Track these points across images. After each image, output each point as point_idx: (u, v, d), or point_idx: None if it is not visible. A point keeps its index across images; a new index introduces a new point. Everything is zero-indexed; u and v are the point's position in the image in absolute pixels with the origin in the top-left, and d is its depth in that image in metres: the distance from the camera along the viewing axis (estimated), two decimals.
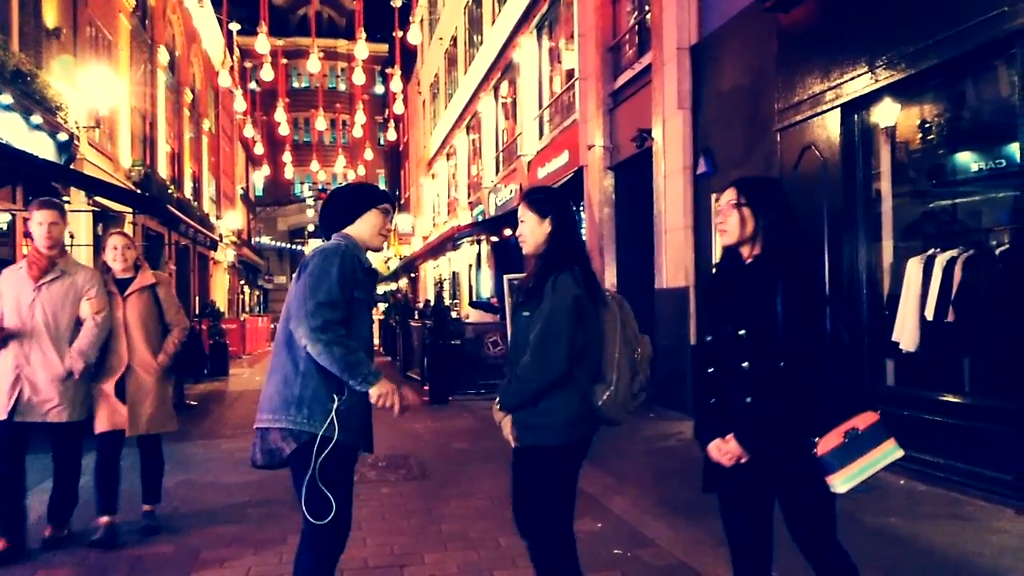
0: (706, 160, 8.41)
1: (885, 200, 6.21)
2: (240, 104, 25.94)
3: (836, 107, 6.19)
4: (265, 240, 45.43)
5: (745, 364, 2.46)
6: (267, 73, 18.89)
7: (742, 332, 2.47)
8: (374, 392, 2.61)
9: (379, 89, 45.58)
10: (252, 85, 35.01)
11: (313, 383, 2.64)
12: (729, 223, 2.60)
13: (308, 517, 2.67)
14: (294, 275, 2.71)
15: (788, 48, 6.83)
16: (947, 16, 5.08)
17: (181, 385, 10.82)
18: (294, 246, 48.30)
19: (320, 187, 44.52)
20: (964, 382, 5.45)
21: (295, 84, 47.38)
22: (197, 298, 24.31)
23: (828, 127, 6.31)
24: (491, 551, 4.21)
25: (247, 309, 39.11)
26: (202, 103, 27.49)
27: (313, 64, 19.46)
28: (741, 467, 2.46)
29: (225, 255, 30.74)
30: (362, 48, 17.53)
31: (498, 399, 2.84)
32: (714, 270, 2.90)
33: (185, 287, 23.35)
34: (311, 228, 48.01)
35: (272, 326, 33.06)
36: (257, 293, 44.81)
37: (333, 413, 2.62)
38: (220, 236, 28.51)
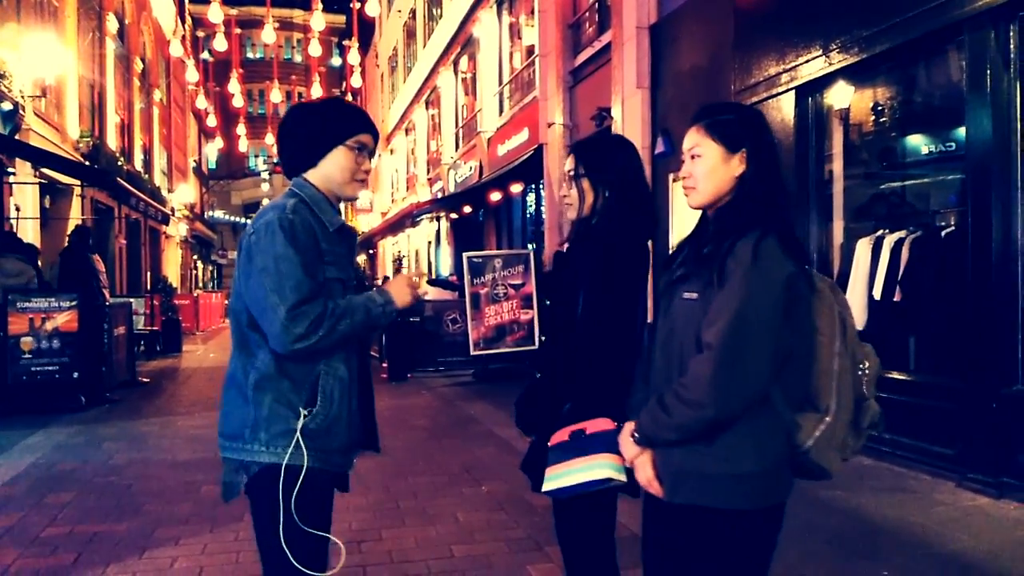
0: (664, 140, 8.48)
1: (837, 182, 6.34)
2: (192, 75, 25.30)
3: (791, 89, 6.29)
4: (219, 214, 44.57)
5: (543, 337, 2.30)
6: (220, 43, 18.44)
7: (547, 302, 2.35)
8: (400, 303, 2.09)
9: (336, 61, 44.82)
10: (205, 55, 34.14)
11: (269, 396, 1.97)
12: (571, 196, 2.33)
13: (267, 570, 2.14)
14: (238, 256, 2.05)
15: (745, 29, 6.90)
16: (900, 1, 5.17)
17: (133, 362, 10.64)
18: (248, 220, 47.48)
19: (275, 160, 43.75)
20: (910, 360, 5.64)
21: (249, 55, 46.34)
22: (149, 273, 23.80)
23: (783, 109, 6.41)
24: (449, 526, 4.25)
25: (200, 285, 38.44)
26: (153, 73, 26.73)
27: (268, 35, 19.04)
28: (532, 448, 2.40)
29: (177, 229, 30.11)
30: (318, 19, 17.20)
31: (633, 427, 1.87)
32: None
33: (136, 262, 22.84)
34: (265, 202, 47.17)
35: (227, 302, 32.60)
36: (211, 268, 44.02)
37: (298, 433, 1.95)
38: (172, 210, 27.89)
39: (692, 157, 1.88)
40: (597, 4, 10.79)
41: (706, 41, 7.77)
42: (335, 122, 2.09)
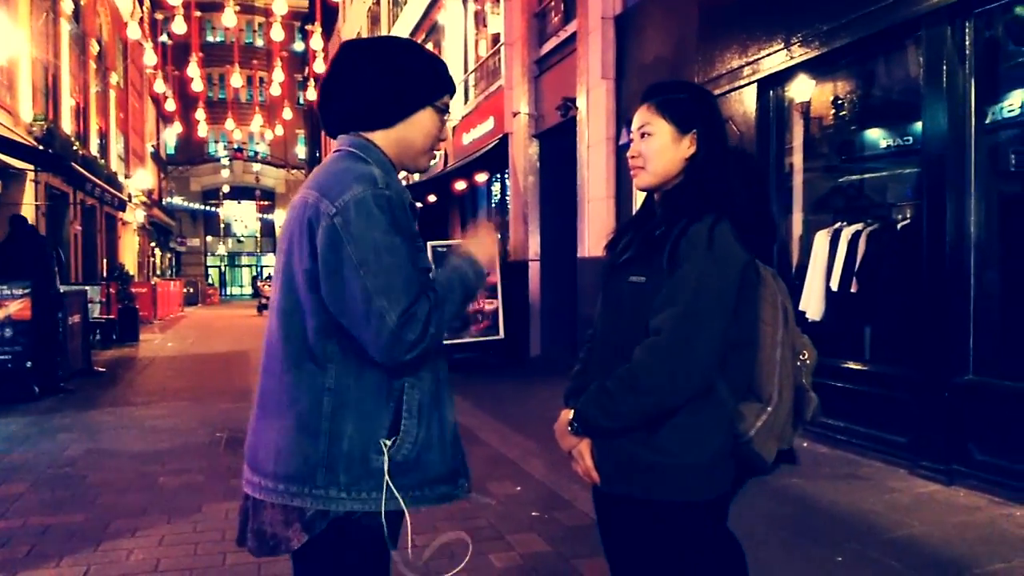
0: (628, 131, 8.51)
1: (797, 174, 6.43)
2: (150, 58, 24.73)
3: (753, 82, 6.35)
4: (177, 201, 43.76)
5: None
6: (179, 26, 18.04)
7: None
8: (487, 264, 1.71)
9: (299, 46, 44.14)
10: (163, 38, 33.41)
11: (351, 426, 1.55)
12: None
13: None
14: (288, 242, 1.60)
15: (709, 22, 6.95)
16: None
17: (88, 351, 10.42)
18: (208, 207, 46.74)
19: (236, 146, 43.07)
20: (865, 350, 5.75)
21: (209, 38, 45.45)
22: (105, 261, 23.31)
23: (745, 102, 6.48)
24: (411, 516, 4.24)
25: (158, 272, 37.75)
26: (110, 56, 26.09)
27: (228, 18, 18.67)
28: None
29: (134, 216, 29.51)
30: (281, 3, 16.91)
31: (572, 414, 1.78)
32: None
33: (92, 249, 22.35)
34: (226, 189, 46.54)
35: (186, 290, 32.08)
36: (169, 256, 43.24)
37: (387, 475, 1.55)
38: (129, 196, 27.33)
39: (642, 135, 1.82)
40: None
41: (670, 33, 7.80)
42: (428, 74, 1.67)
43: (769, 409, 1.73)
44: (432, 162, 1.81)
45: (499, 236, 1.98)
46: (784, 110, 6.41)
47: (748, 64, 6.38)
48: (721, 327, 1.63)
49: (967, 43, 4.67)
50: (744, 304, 1.69)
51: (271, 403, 1.61)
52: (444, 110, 1.71)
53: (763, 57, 6.20)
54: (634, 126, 1.85)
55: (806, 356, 1.84)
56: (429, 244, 9.57)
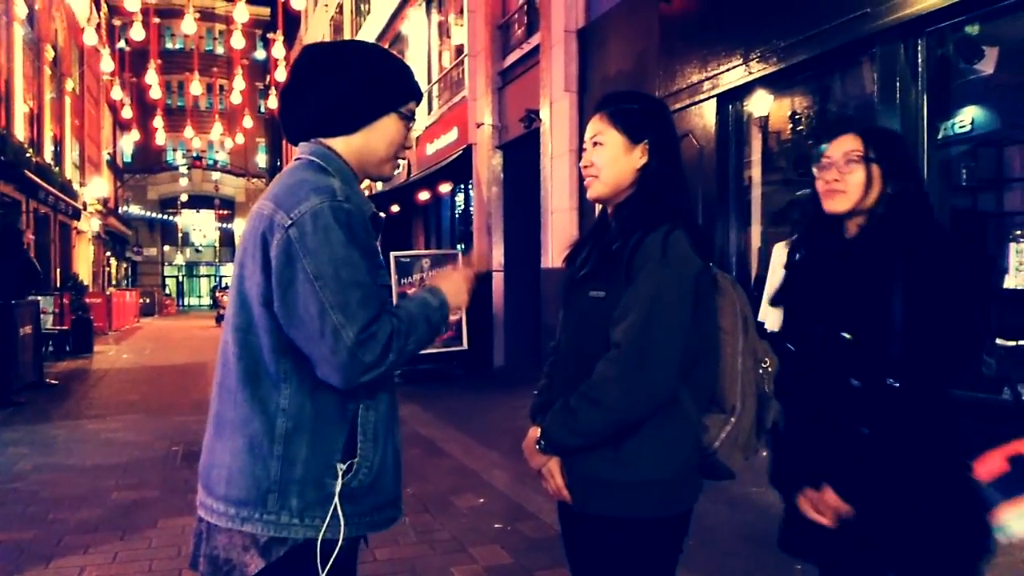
0: None
1: (755, 187, 6.54)
2: (107, 64, 24.31)
3: (712, 97, 6.45)
4: (134, 209, 42.96)
5: (855, 382, 1.73)
6: (137, 32, 17.77)
7: (847, 336, 1.76)
8: (456, 306, 1.65)
9: (260, 54, 43.73)
10: (121, 44, 32.83)
11: (306, 450, 1.50)
12: (848, 182, 1.85)
13: None
14: (242, 255, 1.54)
15: (670, 37, 7.05)
16: (816, 14, 5.37)
17: (40, 363, 10.15)
18: (166, 216, 45.95)
19: (195, 155, 42.46)
20: None
21: (168, 45, 44.79)
22: (59, 271, 22.77)
23: (705, 116, 6.58)
24: None
25: (114, 283, 36.98)
26: (65, 61, 25.57)
27: (188, 25, 18.43)
28: (848, 527, 1.76)
29: (89, 225, 28.88)
30: (242, 10, 16.76)
31: (539, 432, 1.76)
32: (789, 247, 2.14)
33: (45, 259, 21.80)
34: (184, 198, 45.81)
35: (142, 300, 31.45)
36: (125, 266, 42.38)
37: (336, 498, 1.50)
38: (84, 204, 26.75)
39: (594, 145, 1.81)
40: (526, 6, 10.84)
41: (633, 47, 7.90)
42: (392, 80, 1.62)
43: (733, 420, 1.72)
44: (396, 171, 1.75)
45: (473, 279, 1.90)
46: (743, 124, 6.52)
47: (708, 79, 6.48)
48: (680, 336, 1.62)
49: (920, 61, 4.81)
50: (703, 314, 1.69)
51: (225, 423, 1.54)
52: (409, 117, 1.65)
53: (722, 72, 6.30)
54: (587, 136, 1.85)
55: (768, 363, 1.83)
56: (392, 254, 9.53)
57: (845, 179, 1.86)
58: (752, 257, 6.51)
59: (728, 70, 6.24)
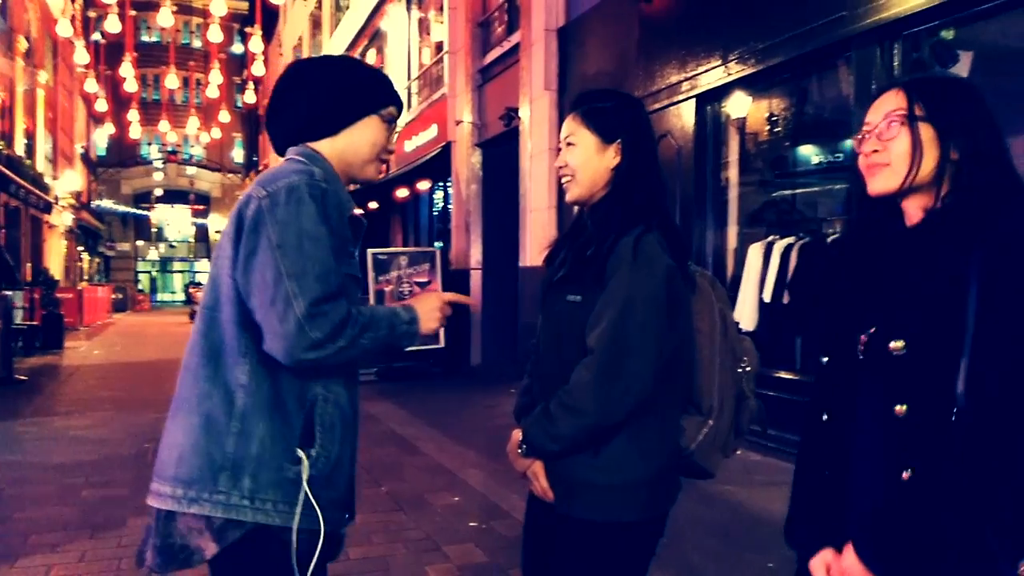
0: None
1: (732, 188, 6.58)
2: (82, 56, 23.95)
3: (691, 97, 6.48)
4: (107, 204, 42.36)
5: (900, 408, 1.28)
6: (113, 24, 17.51)
7: (897, 346, 1.30)
8: (425, 329, 1.63)
9: (237, 48, 43.34)
10: (96, 36, 32.38)
11: (262, 428, 1.47)
12: (892, 151, 1.37)
13: None
14: (224, 233, 1.54)
15: (649, 37, 7.07)
16: (794, 17, 5.41)
17: (9, 358, 9.98)
18: (140, 211, 45.38)
19: (170, 149, 41.96)
20: (796, 360, 5.90)
21: (144, 38, 44.23)
22: (29, 265, 22.40)
23: (683, 116, 6.60)
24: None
25: (86, 277, 36.46)
26: (38, 53, 25.16)
27: (165, 18, 18.20)
28: None
29: (61, 219, 28.44)
30: (219, 4, 16.57)
31: (521, 438, 1.74)
32: (836, 236, 1.76)
33: (15, 253, 21.45)
34: (159, 192, 45.28)
35: (114, 296, 31.02)
36: (97, 260, 41.80)
37: (305, 485, 1.49)
38: (56, 198, 26.34)
39: (568, 145, 1.79)
40: (507, 4, 10.83)
41: (612, 47, 7.91)
42: (370, 85, 1.67)
43: (710, 422, 1.71)
44: (380, 174, 1.78)
45: (449, 307, 1.72)
46: (721, 125, 6.55)
47: (687, 79, 6.50)
48: (654, 339, 1.61)
49: (895, 64, 4.85)
50: (678, 315, 1.67)
51: (182, 401, 1.52)
52: (390, 121, 1.70)
53: (701, 73, 6.33)
54: (561, 136, 1.83)
55: (747, 362, 1.80)
56: (370, 251, 9.46)
57: (887, 148, 1.39)
58: (728, 257, 6.54)
59: (707, 71, 6.26)
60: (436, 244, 13.98)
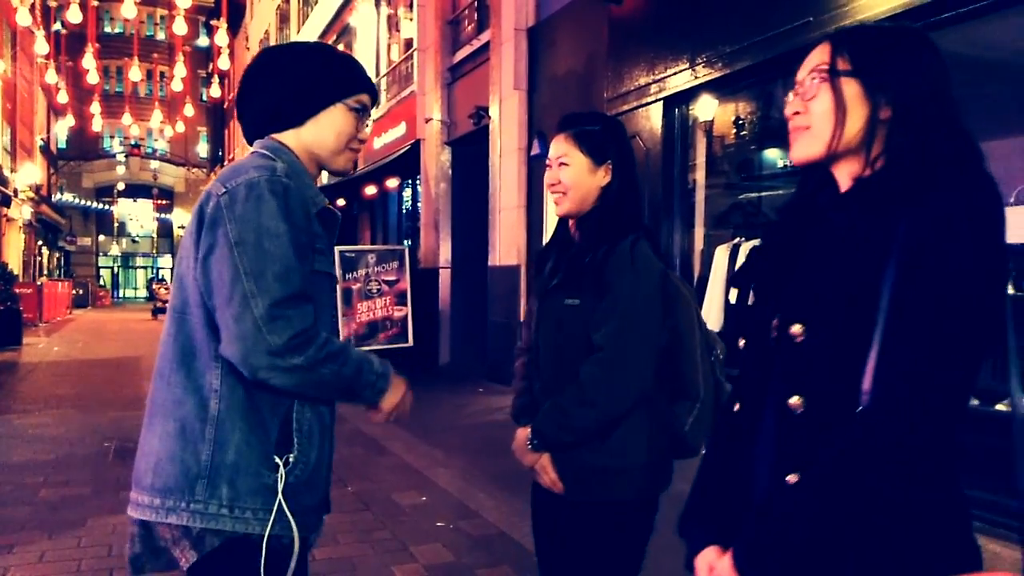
0: (540, 142, 8.61)
1: (699, 190, 6.65)
2: (42, 46, 23.44)
3: (659, 100, 6.53)
4: (68, 197, 41.51)
5: (795, 401, 1.15)
6: (74, 15, 17.17)
7: (796, 330, 1.17)
8: (387, 405, 1.58)
9: (203, 41, 42.74)
10: (57, 27, 31.71)
11: (238, 435, 1.43)
12: (813, 112, 1.21)
13: None
14: (187, 231, 1.50)
15: (618, 39, 7.11)
16: (760, 21, 5.48)
17: None
18: (101, 205, 44.54)
19: (133, 142, 41.25)
20: None
21: (107, 29, 43.41)
22: None
23: (651, 118, 6.65)
24: None
25: (45, 272, 35.71)
26: None
27: (128, 9, 17.89)
28: None
29: (20, 212, 27.81)
30: None
31: (529, 432, 1.88)
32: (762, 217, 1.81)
33: None
34: (121, 186, 44.48)
35: (75, 291, 30.42)
36: (58, 255, 40.94)
37: (280, 496, 1.45)
38: (15, 191, 25.75)
39: (560, 164, 1.94)
40: (476, 3, 10.81)
41: (582, 48, 7.94)
42: (336, 73, 1.62)
43: (698, 405, 1.90)
44: (350, 164, 1.73)
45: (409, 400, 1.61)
46: (688, 128, 6.61)
47: (655, 82, 6.56)
48: (655, 334, 1.83)
49: None
50: (669, 314, 1.88)
51: (157, 408, 1.48)
52: (360, 110, 1.64)
53: (669, 76, 6.38)
54: (552, 154, 1.96)
55: (719, 350, 2.00)
56: (337, 248, 9.39)
57: (808, 109, 1.22)
58: (695, 259, 6.61)
59: (675, 74, 6.32)
60: (405, 242, 13.92)
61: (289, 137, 1.60)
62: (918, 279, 1.04)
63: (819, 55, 1.24)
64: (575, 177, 1.92)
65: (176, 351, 1.47)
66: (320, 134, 1.61)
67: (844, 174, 1.22)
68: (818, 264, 1.18)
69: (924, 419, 1.04)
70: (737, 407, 1.32)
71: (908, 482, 1.04)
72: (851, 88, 1.18)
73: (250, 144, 1.64)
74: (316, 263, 1.50)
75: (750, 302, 1.32)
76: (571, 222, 1.99)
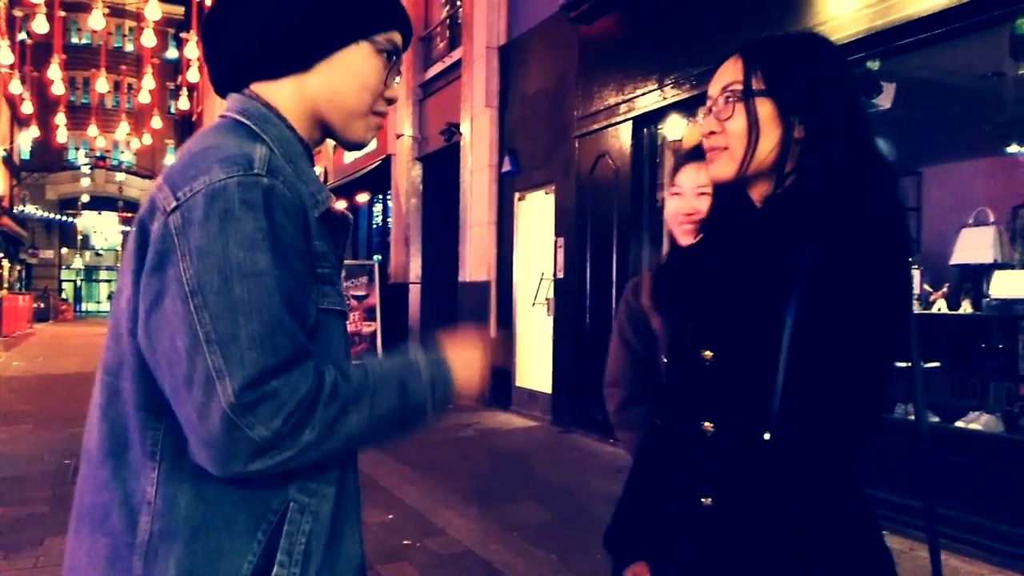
0: (511, 159, 8.66)
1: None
2: (6, 56, 23.10)
3: (629, 119, 6.62)
4: (30, 209, 40.75)
5: (708, 425, 1.15)
6: (40, 25, 16.97)
7: (707, 355, 1.17)
8: (467, 393, 1.12)
9: (172, 54, 42.35)
10: (22, 36, 31.25)
11: (173, 564, 0.95)
12: (730, 132, 1.19)
13: None
14: (124, 256, 1.04)
15: (588, 59, 7.19)
16: (726, 44, 5.53)
17: None
18: (65, 217, 43.81)
19: (98, 154, 40.68)
20: None
21: (74, 40, 42.87)
22: None
23: (621, 138, 6.74)
24: None
25: (6, 286, 34.97)
26: None
27: (96, 20, 17.70)
28: None
29: None
30: (154, 8, 16.21)
31: None
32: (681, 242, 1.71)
33: None
34: (86, 199, 43.82)
35: (36, 305, 29.79)
36: (19, 268, 40.12)
37: None
38: None
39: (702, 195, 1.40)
40: (449, 20, 10.88)
41: (553, 67, 8.02)
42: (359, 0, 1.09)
43: None
44: (373, 133, 1.18)
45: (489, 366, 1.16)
46: (657, 147, 6.70)
47: (624, 101, 6.64)
48: None
49: None
50: None
51: (85, 511, 1.04)
52: (391, 53, 1.13)
53: (638, 96, 6.47)
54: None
55: None
56: None
57: (725, 129, 1.19)
58: None
59: (644, 94, 6.41)
60: (375, 257, 13.88)
61: (284, 90, 1.09)
62: (819, 308, 1.04)
63: (732, 71, 1.23)
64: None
65: (106, 432, 1.02)
66: (336, 85, 1.09)
67: (758, 194, 1.21)
68: (727, 289, 1.17)
69: (828, 444, 1.06)
70: (659, 422, 1.33)
71: (817, 504, 1.06)
72: (765, 108, 1.16)
73: (221, 95, 1.13)
74: (324, 299, 1.02)
75: (673, 323, 1.31)
76: None
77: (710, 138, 1.21)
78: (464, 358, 1.12)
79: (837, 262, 1.05)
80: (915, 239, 7.43)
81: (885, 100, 4.91)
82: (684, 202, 1.71)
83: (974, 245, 5.19)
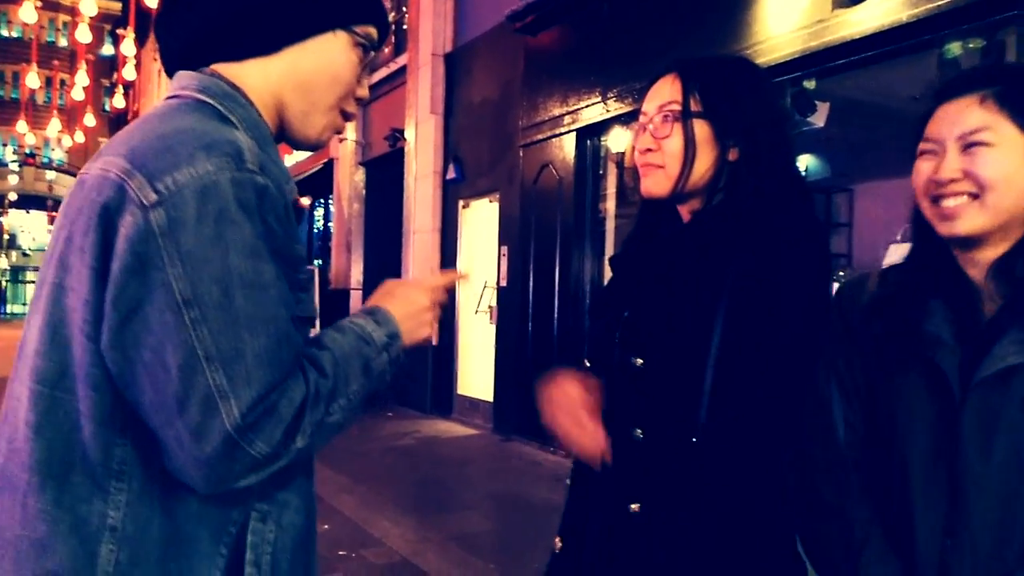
0: (455, 167, 8.66)
1: (610, 219, 6.81)
2: None
3: (572, 131, 6.68)
4: None
5: (638, 431, 1.17)
6: None
7: (637, 362, 1.19)
8: (412, 339, 1.08)
9: (108, 50, 41.17)
10: None
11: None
12: (666, 151, 1.23)
13: None
14: (61, 249, 0.88)
15: (533, 70, 7.24)
16: (667, 59, 5.67)
17: None
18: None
19: (28, 151, 39.24)
20: None
21: (3, 32, 41.36)
22: None
23: (565, 148, 6.79)
24: None
25: None
26: None
27: (28, 14, 17.10)
28: None
29: None
30: (89, 3, 15.74)
31: None
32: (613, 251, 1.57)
33: None
34: (13, 197, 42.19)
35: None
36: None
37: None
38: None
39: (972, 146, 1.02)
40: (394, 26, 10.82)
41: (498, 76, 8.04)
42: None
43: None
44: (336, 130, 1.10)
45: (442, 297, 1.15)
46: (600, 159, 6.78)
47: (568, 113, 6.70)
48: None
49: None
50: None
51: (6, 546, 0.89)
52: (367, 48, 1.05)
53: (582, 108, 6.54)
54: (963, 130, 1.04)
55: None
56: None
57: (662, 147, 1.22)
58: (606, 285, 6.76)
59: (588, 106, 6.48)
60: (315, 262, 13.69)
61: (252, 72, 0.98)
62: (745, 315, 1.10)
63: (669, 91, 1.27)
64: (1007, 166, 1.01)
65: (40, 456, 0.87)
66: (305, 74, 1.00)
67: (686, 209, 1.27)
68: (656, 299, 1.21)
69: (752, 450, 1.12)
70: None
71: (742, 508, 1.11)
72: (703, 130, 1.21)
73: (170, 73, 1.01)
74: (299, 306, 0.94)
75: (596, 330, 1.35)
76: (992, 252, 1.05)
77: (646, 155, 1.26)
78: (406, 307, 1.08)
79: (762, 273, 1.11)
80: (846, 253, 7.68)
81: (819, 119, 5.06)
82: (949, 163, 1.44)
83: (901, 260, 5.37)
